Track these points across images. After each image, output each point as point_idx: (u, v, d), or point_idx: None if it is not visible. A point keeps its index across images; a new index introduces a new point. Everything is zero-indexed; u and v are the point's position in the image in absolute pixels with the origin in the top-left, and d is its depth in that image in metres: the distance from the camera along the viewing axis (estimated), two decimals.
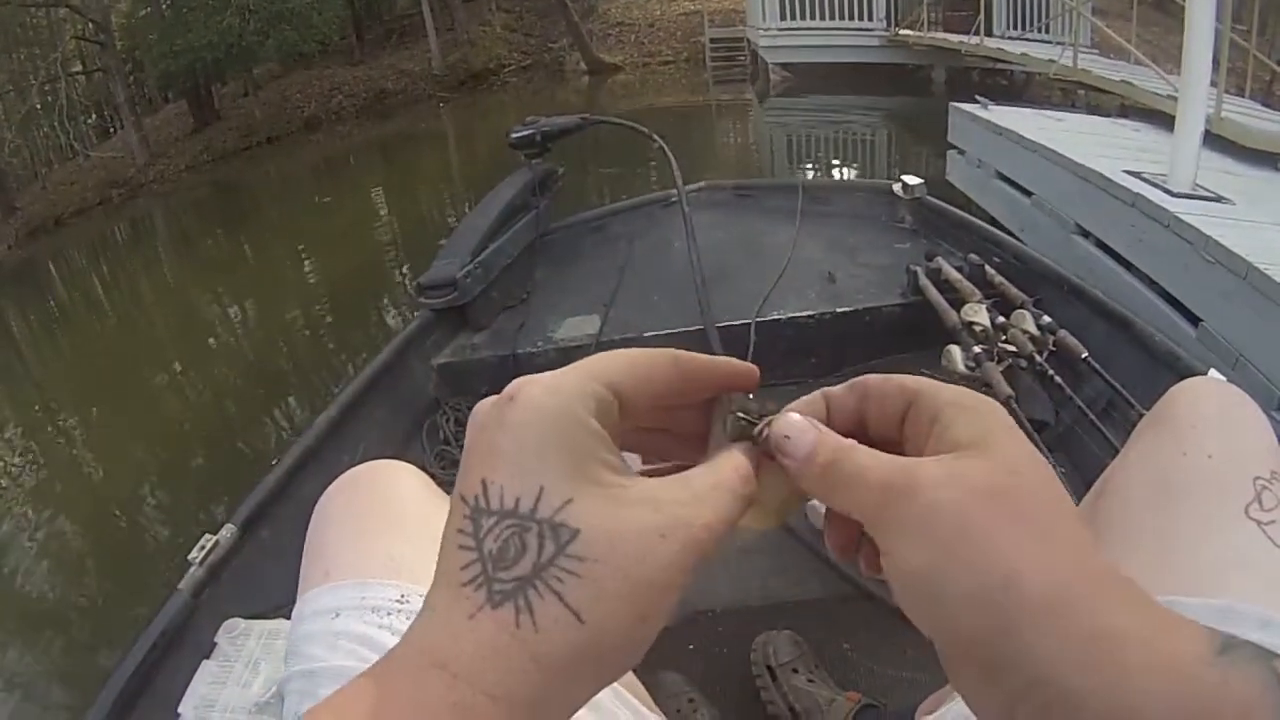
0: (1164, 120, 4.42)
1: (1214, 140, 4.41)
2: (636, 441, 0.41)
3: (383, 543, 0.70)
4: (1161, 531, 0.62)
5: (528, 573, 0.30)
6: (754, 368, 0.40)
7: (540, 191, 2.84)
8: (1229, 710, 0.27)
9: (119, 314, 9.79)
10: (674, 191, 2.76)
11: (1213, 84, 4.21)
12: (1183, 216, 2.88)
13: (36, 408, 6.77)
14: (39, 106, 22.07)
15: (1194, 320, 2.78)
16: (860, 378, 0.38)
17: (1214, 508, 0.61)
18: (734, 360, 0.41)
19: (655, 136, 2.79)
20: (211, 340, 7.23)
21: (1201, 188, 3.30)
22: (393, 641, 0.39)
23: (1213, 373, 1.49)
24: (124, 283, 11.55)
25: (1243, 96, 6.26)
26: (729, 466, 0.36)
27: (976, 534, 0.30)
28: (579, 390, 0.34)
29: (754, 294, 2.27)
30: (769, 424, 0.37)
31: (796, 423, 0.36)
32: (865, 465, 0.34)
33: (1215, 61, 4.31)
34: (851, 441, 0.35)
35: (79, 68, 24.19)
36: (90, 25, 22.00)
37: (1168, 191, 3.22)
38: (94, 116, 27.10)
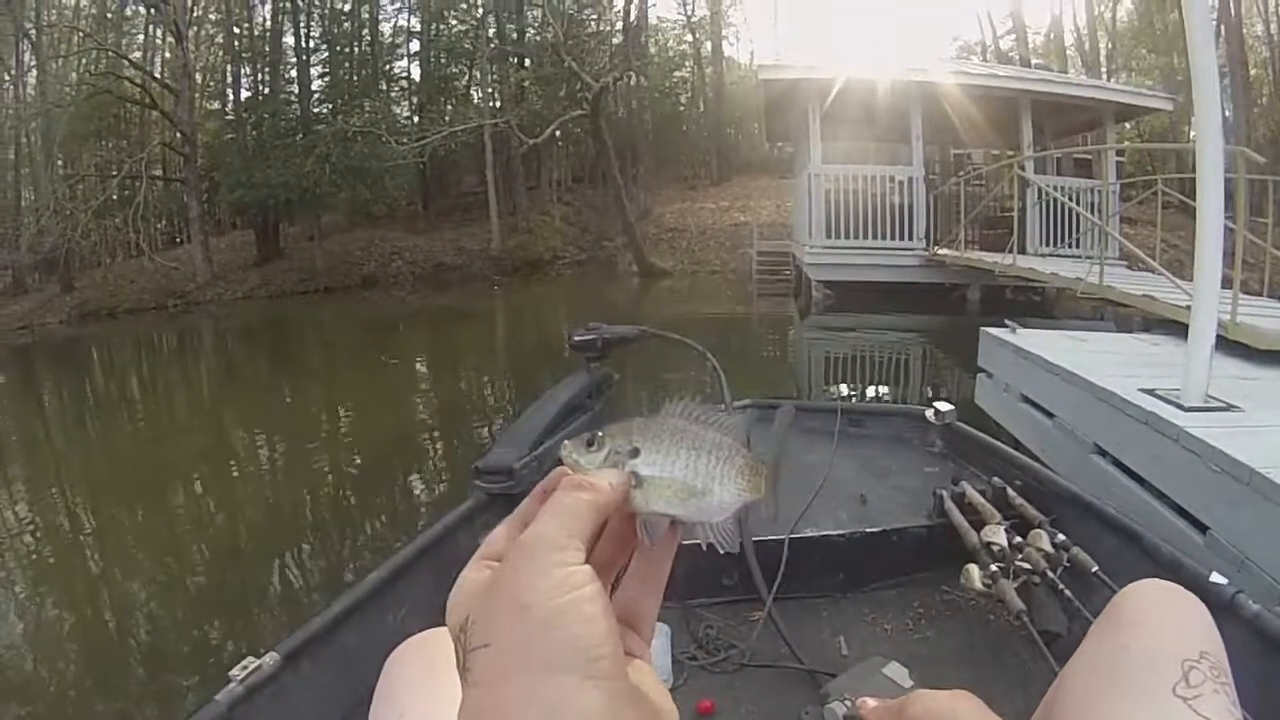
0: (1183, 330, 4.56)
1: (1230, 346, 4.61)
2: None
3: (452, 697, 0.82)
4: (1101, 715, 0.75)
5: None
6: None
7: (596, 394, 3.00)
8: None
9: (150, 417, 9.96)
10: (720, 406, 2.90)
11: (1228, 285, 4.33)
12: (1192, 431, 2.98)
13: (53, 489, 6.86)
14: (116, 198, 23.17)
15: (1202, 528, 2.84)
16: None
17: (1146, 691, 0.74)
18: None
19: (709, 355, 2.94)
20: (235, 469, 7.26)
21: (1213, 398, 3.40)
22: None
23: (1214, 576, 1.62)
24: (161, 388, 11.87)
25: (1261, 295, 6.39)
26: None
27: (939, 696, 0.64)
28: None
29: (789, 511, 2.37)
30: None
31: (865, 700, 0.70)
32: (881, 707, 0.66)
33: (1230, 257, 4.45)
34: None
35: (160, 172, 25.35)
36: (178, 135, 23.22)
37: (1179, 406, 3.31)
38: (164, 223, 28.08)
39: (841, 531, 2.28)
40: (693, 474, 0.51)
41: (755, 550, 2.15)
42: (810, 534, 2.28)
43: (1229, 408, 3.36)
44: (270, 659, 1.50)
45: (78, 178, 23.99)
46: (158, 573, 4.93)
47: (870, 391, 8.79)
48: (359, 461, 7.28)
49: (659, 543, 0.51)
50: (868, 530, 2.29)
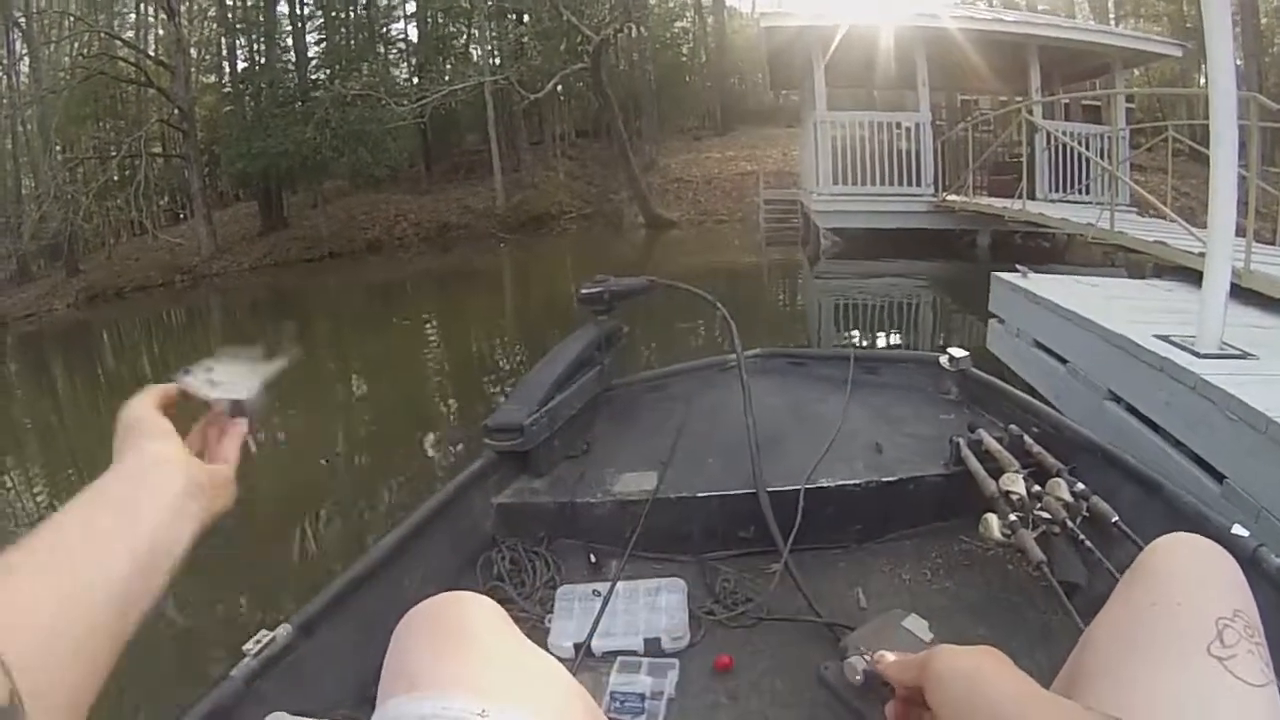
0: (1196, 277, 4.50)
1: (1244, 294, 4.55)
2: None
3: (465, 664, 0.78)
4: (1135, 675, 0.73)
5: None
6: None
7: (605, 348, 2.95)
8: None
9: None
10: (731, 356, 2.87)
11: (1241, 234, 4.29)
12: (1207, 377, 2.95)
13: (70, 472, 6.94)
14: (116, 179, 23.14)
15: (1219, 478, 2.82)
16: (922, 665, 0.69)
17: (1178, 650, 0.71)
18: None
19: (718, 305, 2.91)
20: (249, 440, 7.22)
21: (1228, 345, 3.37)
22: None
23: (1237, 528, 1.59)
24: (172, 364, 11.74)
25: (1274, 244, 6.34)
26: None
27: (966, 652, 0.65)
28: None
29: (804, 461, 2.35)
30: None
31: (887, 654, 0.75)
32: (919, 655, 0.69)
33: (1244, 206, 4.40)
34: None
35: (159, 149, 25.30)
36: (176, 111, 23.12)
37: (1194, 353, 3.28)
38: (166, 199, 28.04)
39: (857, 481, 2.25)
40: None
41: (771, 502, 2.13)
42: (826, 484, 2.24)
43: (1244, 355, 3.33)
44: (284, 630, 1.50)
45: (77, 161, 23.87)
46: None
47: (881, 339, 8.75)
48: (373, 425, 7.36)
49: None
50: (884, 479, 2.25)
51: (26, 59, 23.88)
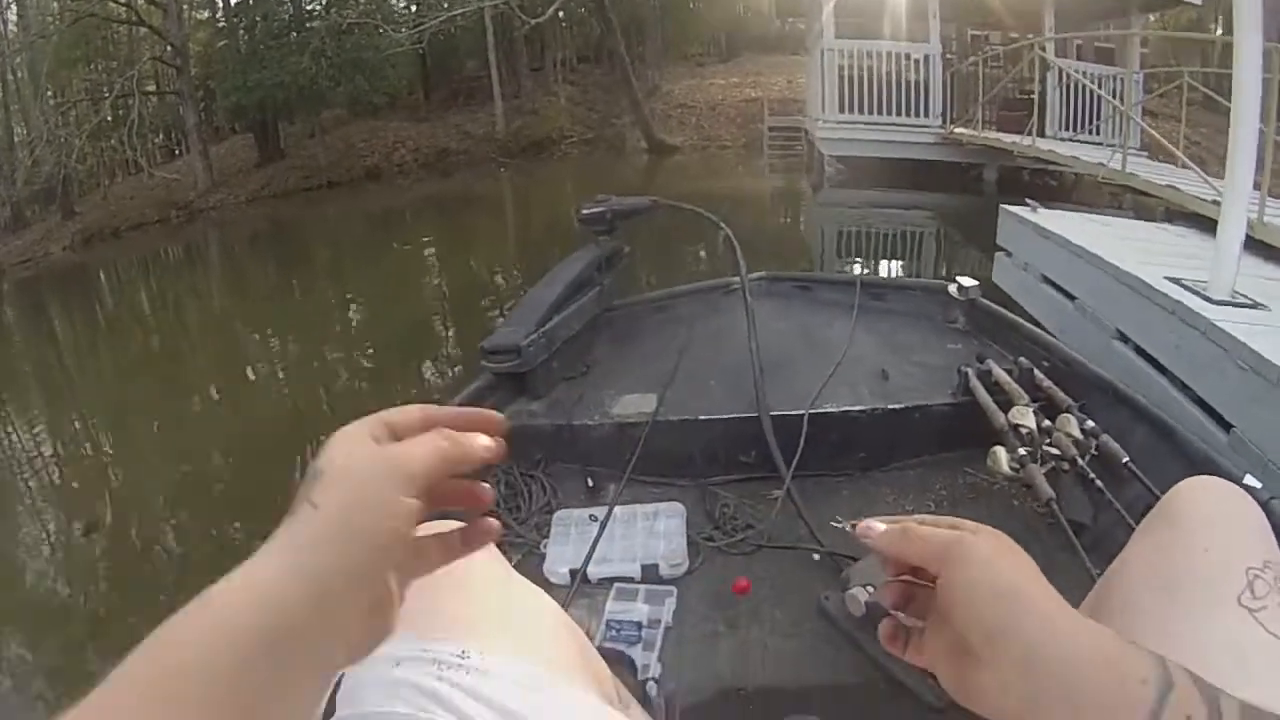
0: (1207, 224, 4.43)
1: (1256, 245, 4.45)
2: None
3: (446, 598, 0.73)
4: (1158, 621, 0.68)
5: (300, 496, 0.50)
6: (498, 416, 0.60)
7: (606, 268, 2.91)
8: (1125, 666, 0.48)
9: (162, 332, 9.98)
10: (735, 279, 2.83)
11: (1256, 186, 4.23)
12: (1219, 324, 2.89)
13: (73, 416, 6.91)
14: (110, 119, 22.79)
15: (1226, 426, 2.78)
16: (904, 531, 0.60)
17: (1207, 598, 0.67)
18: (483, 411, 0.60)
19: (722, 225, 2.86)
20: (250, 373, 7.32)
21: (1240, 294, 3.31)
22: (451, 693, 0.62)
23: (1249, 479, 1.55)
24: (171, 302, 11.85)
25: None
26: (423, 435, 0.55)
27: (1000, 565, 0.53)
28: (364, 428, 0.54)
29: (808, 385, 2.31)
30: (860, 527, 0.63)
31: (871, 520, 0.61)
32: (929, 531, 0.57)
33: (1260, 163, 4.34)
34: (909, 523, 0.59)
35: (153, 87, 24.88)
36: (169, 48, 22.74)
37: (1206, 299, 3.23)
38: (161, 137, 27.79)
39: (862, 407, 2.22)
40: None
41: (773, 426, 2.09)
42: (830, 410, 2.21)
43: (1256, 305, 3.27)
44: None
45: (69, 104, 23.40)
46: (181, 486, 5.00)
47: (884, 268, 8.72)
48: (373, 352, 7.34)
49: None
50: (890, 407, 2.22)
51: (14, 5, 23.23)
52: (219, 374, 7.37)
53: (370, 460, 0.50)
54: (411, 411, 0.56)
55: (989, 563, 0.53)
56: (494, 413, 0.59)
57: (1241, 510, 0.76)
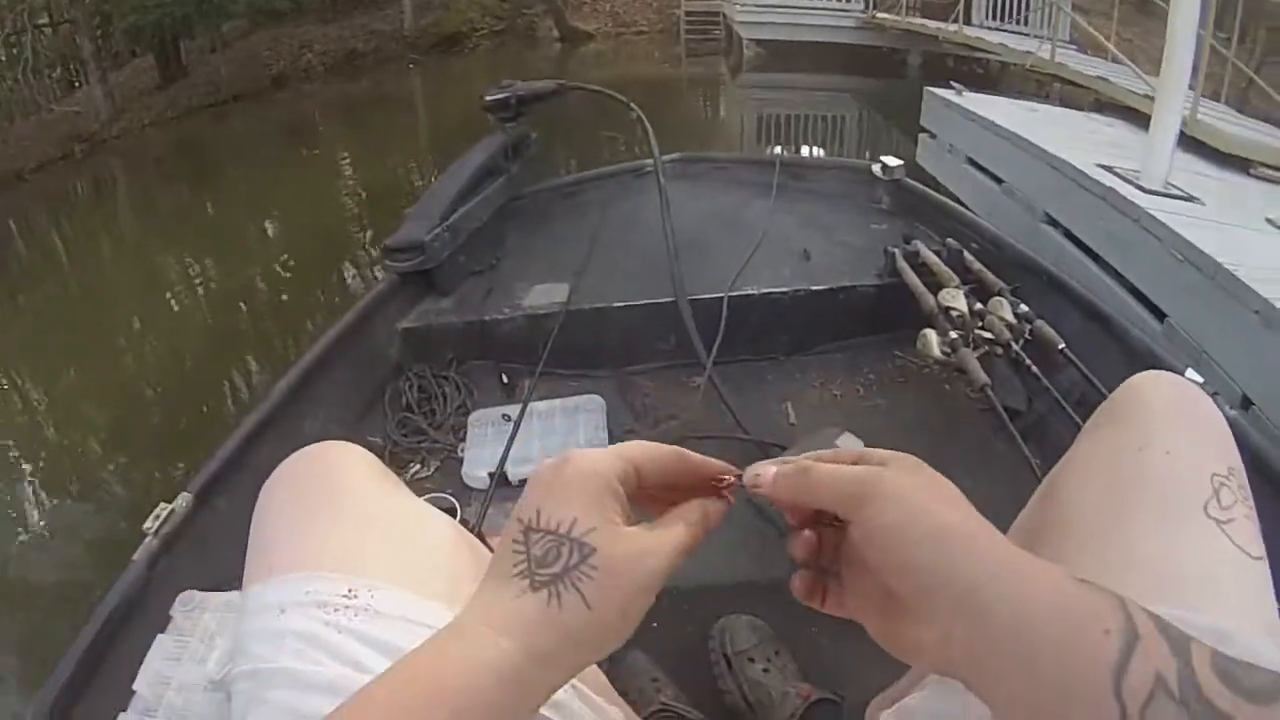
0: (1137, 119, 4.40)
1: (1187, 142, 4.43)
2: (651, 505, 0.57)
3: (329, 532, 0.67)
4: (1118, 531, 0.61)
5: (559, 571, 0.47)
6: (734, 470, 0.58)
7: (513, 156, 2.76)
8: (1084, 614, 0.41)
9: (79, 273, 9.52)
10: (648, 161, 2.69)
11: (1189, 87, 4.23)
12: (1153, 213, 2.88)
13: None
14: (3, 59, 21.65)
15: (1160, 315, 2.78)
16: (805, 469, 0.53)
17: (1171, 507, 0.60)
18: (723, 463, 0.58)
19: (632, 105, 2.70)
20: (171, 299, 7.04)
21: (1173, 186, 3.31)
22: (340, 640, 0.58)
23: (1190, 373, 1.47)
24: (84, 240, 11.26)
25: (1218, 102, 6.32)
26: (682, 512, 0.55)
27: (923, 502, 0.46)
28: (610, 461, 0.52)
29: (727, 268, 2.22)
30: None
31: (761, 465, 0.55)
32: (832, 471, 0.50)
33: (1194, 66, 4.34)
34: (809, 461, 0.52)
35: (46, 20, 23.70)
36: None
37: (1139, 188, 3.21)
38: (59, 71, 26.58)
39: (784, 289, 2.13)
40: None
41: (693, 311, 1.99)
42: (751, 292, 2.12)
43: (1190, 199, 3.26)
44: (182, 500, 1.38)
45: None
46: (114, 429, 4.84)
47: (805, 153, 8.63)
48: (292, 263, 7.16)
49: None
50: (813, 288, 2.13)
51: None
52: (140, 306, 7.08)
53: (646, 563, 0.50)
54: (665, 456, 0.56)
55: (908, 500, 0.47)
56: (731, 469, 0.58)
57: (1200, 410, 0.68)
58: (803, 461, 0.52)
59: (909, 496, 0.47)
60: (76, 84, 25.49)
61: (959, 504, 0.47)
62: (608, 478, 0.50)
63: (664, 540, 0.51)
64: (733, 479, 0.57)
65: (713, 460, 0.57)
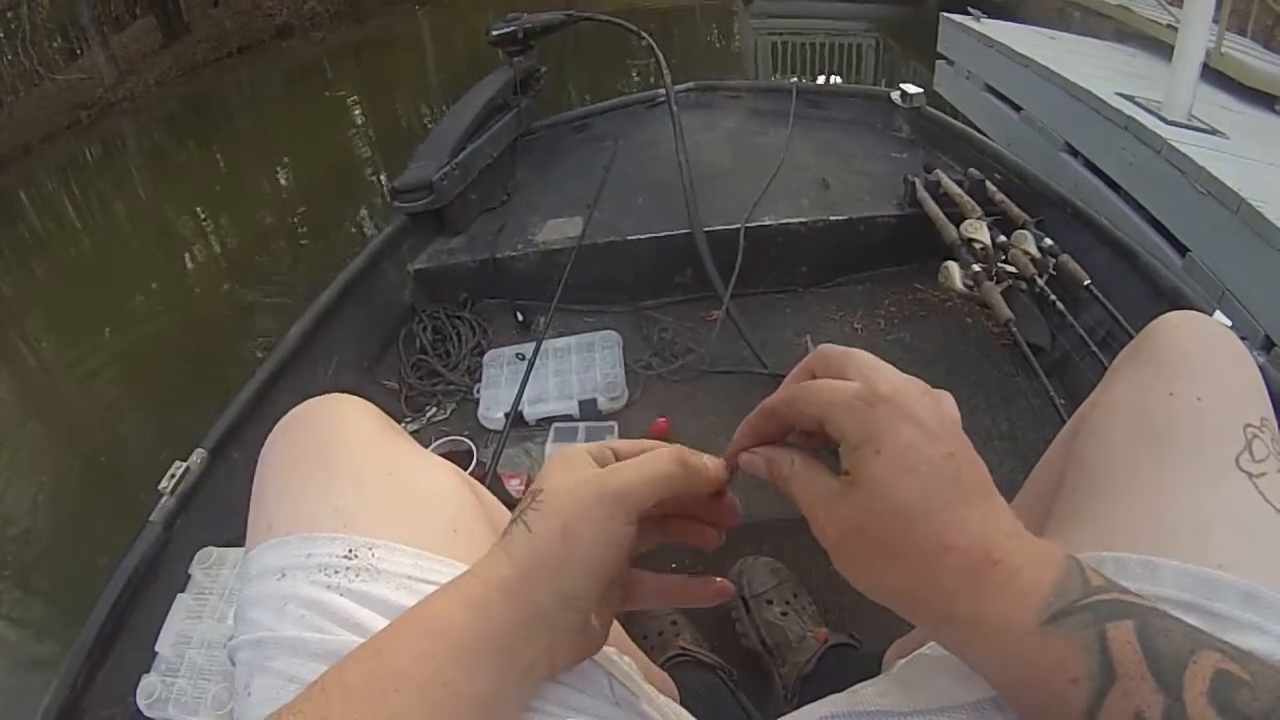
0: (1160, 49, 4.28)
1: (1211, 75, 4.31)
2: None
3: (329, 490, 0.65)
4: (1145, 480, 0.58)
5: (515, 515, 0.52)
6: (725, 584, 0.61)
7: (521, 90, 2.69)
8: (1046, 666, 0.41)
9: (93, 235, 9.50)
10: (661, 91, 2.62)
11: (1214, 20, 4.12)
12: (1176, 145, 2.81)
13: (14, 335, 6.59)
14: (1, 35, 21.46)
15: (1181, 250, 2.73)
16: (766, 403, 0.52)
17: (1202, 457, 0.57)
18: (719, 464, 0.55)
19: (644, 34, 2.61)
20: (187, 256, 7.06)
21: (1197, 119, 3.22)
22: (342, 604, 0.57)
23: (1219, 315, 1.43)
24: (96, 204, 11.14)
25: (1244, 36, 6.18)
26: (647, 455, 0.53)
27: (917, 487, 0.44)
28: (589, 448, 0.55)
29: (744, 199, 2.17)
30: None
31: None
32: (826, 399, 0.47)
33: None
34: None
35: None
36: None
37: (1162, 119, 3.13)
38: (59, 40, 26.31)
39: (803, 219, 2.08)
40: None
41: (709, 243, 1.96)
42: (768, 223, 2.07)
43: (1214, 132, 3.18)
44: (197, 457, 1.39)
45: None
46: (133, 390, 4.83)
47: (821, 81, 8.48)
48: (305, 210, 7.12)
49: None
50: (832, 218, 2.08)
51: None
52: (156, 266, 7.03)
53: (588, 484, 0.50)
54: (642, 442, 0.57)
55: (916, 431, 0.46)
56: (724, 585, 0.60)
57: (1233, 356, 0.64)
58: (791, 388, 0.50)
59: (917, 448, 0.45)
60: (78, 51, 25.22)
61: (970, 469, 0.46)
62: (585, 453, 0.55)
63: (612, 473, 0.51)
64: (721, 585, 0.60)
65: (709, 465, 0.54)
